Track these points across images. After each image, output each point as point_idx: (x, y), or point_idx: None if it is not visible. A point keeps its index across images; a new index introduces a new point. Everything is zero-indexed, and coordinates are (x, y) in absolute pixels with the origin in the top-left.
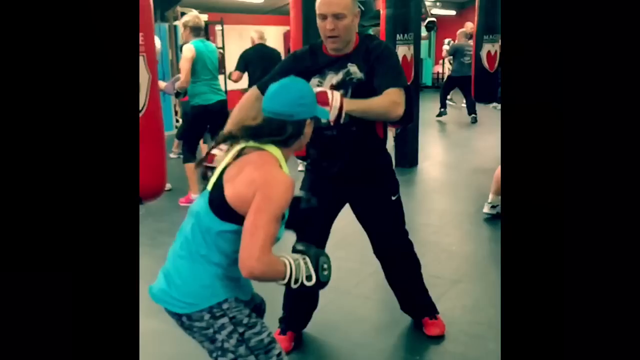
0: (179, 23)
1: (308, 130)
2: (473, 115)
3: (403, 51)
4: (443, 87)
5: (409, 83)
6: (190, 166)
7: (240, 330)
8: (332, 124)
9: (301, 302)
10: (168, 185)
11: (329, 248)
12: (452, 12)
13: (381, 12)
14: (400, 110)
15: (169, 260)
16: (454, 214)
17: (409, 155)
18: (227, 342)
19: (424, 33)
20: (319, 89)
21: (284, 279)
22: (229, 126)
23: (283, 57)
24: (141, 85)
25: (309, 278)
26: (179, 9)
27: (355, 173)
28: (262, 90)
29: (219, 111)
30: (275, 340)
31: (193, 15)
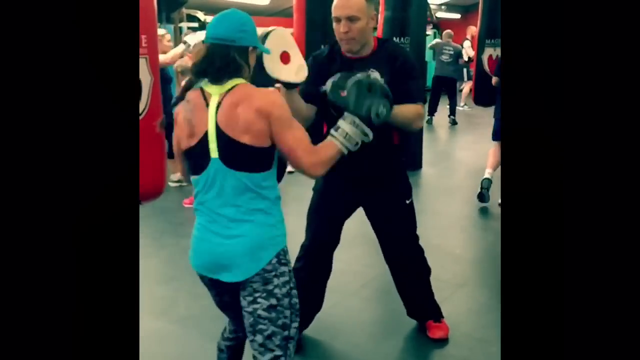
0: (184, 25)
1: (252, 60)
2: (452, 117)
3: None
4: (432, 89)
5: None
6: None
7: (291, 284)
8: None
9: (304, 303)
10: (177, 175)
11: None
12: (457, 16)
13: (379, 15)
14: (422, 124)
15: (215, 241)
16: (458, 217)
17: (412, 158)
18: (278, 289)
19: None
20: (375, 74)
21: (344, 154)
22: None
23: None
24: (143, 87)
25: (366, 135)
26: (184, 10)
27: (371, 177)
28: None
29: None
30: None
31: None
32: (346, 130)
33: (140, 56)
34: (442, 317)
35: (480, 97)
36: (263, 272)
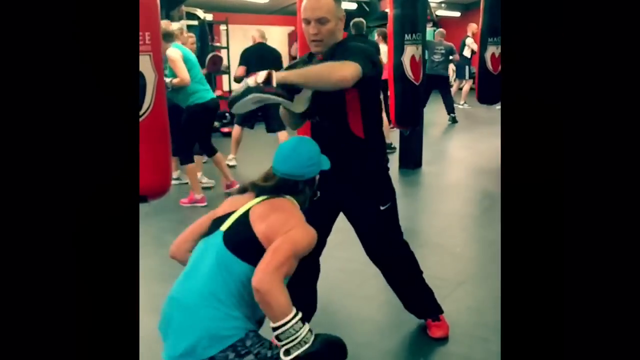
0: (183, 22)
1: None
2: (452, 115)
3: (411, 51)
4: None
5: (417, 83)
6: (191, 167)
7: (269, 354)
8: (261, 85)
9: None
10: (177, 173)
11: (333, 249)
12: (457, 14)
13: (388, 12)
14: (342, 74)
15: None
16: (458, 215)
17: (412, 156)
18: None
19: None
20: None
21: (279, 320)
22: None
23: (284, 57)
24: (147, 84)
25: (302, 343)
26: (184, 8)
27: (342, 176)
28: None
29: (214, 109)
30: None
31: (164, 22)
32: (294, 335)
33: (144, 53)
34: (442, 314)
35: (484, 95)
36: None
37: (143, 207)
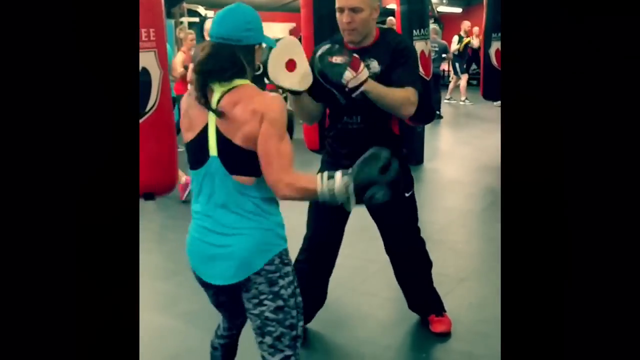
0: (184, 19)
1: (258, 57)
2: (437, 112)
3: (420, 46)
4: None
5: (428, 78)
6: None
7: (296, 284)
8: (347, 88)
9: (305, 296)
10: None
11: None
12: (459, 10)
13: (395, 8)
14: (411, 109)
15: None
16: (460, 211)
17: (414, 152)
18: (284, 289)
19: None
20: (356, 55)
21: (316, 194)
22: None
23: None
24: (153, 81)
25: (347, 203)
26: (185, 5)
27: None
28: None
29: None
30: None
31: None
32: (335, 188)
33: (149, 50)
34: (444, 310)
35: (489, 91)
36: (266, 273)
37: (144, 204)
